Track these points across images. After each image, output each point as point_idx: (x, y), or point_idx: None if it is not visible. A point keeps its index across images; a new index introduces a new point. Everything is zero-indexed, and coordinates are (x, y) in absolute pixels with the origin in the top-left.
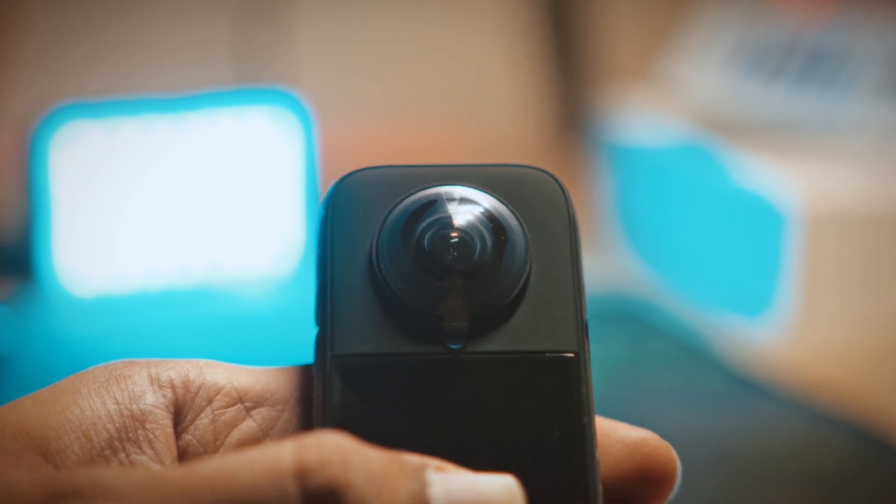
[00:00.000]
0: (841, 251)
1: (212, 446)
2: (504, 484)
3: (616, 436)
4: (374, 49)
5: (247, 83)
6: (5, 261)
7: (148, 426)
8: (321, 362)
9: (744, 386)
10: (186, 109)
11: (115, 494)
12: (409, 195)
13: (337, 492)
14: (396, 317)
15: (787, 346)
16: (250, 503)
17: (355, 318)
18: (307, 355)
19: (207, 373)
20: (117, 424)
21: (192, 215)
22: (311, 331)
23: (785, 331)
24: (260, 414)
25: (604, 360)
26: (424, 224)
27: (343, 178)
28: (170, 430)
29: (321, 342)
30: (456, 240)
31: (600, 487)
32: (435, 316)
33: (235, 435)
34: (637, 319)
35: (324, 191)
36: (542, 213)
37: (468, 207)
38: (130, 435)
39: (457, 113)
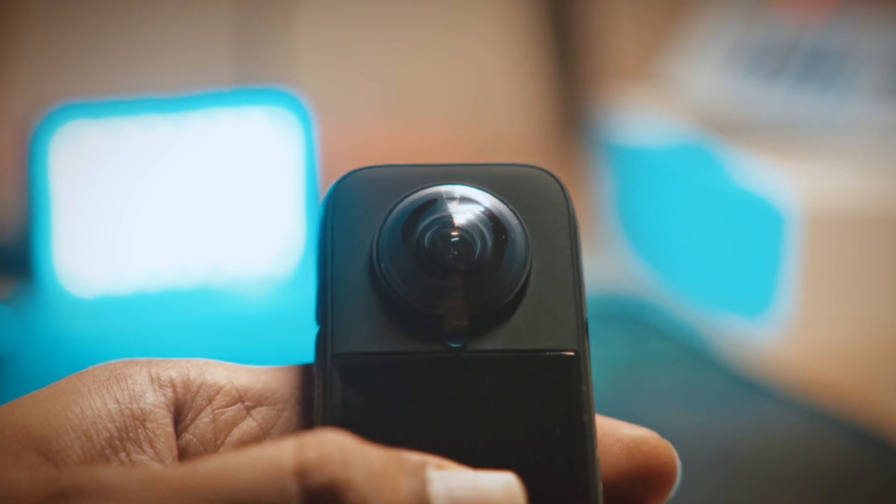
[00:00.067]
0: (841, 251)
1: (212, 445)
2: (504, 481)
3: (616, 434)
4: (374, 49)
5: (247, 83)
6: (5, 261)
7: (148, 425)
8: (322, 361)
9: (744, 386)
10: (186, 109)
11: (116, 493)
12: (409, 194)
13: (337, 490)
14: (397, 316)
15: (787, 346)
16: (251, 502)
17: (356, 317)
18: (307, 355)
19: (208, 372)
20: (118, 424)
21: (192, 215)
22: (311, 330)
23: (785, 331)
24: (260, 413)
25: (604, 360)
26: (425, 223)
27: (343, 178)
28: (170, 429)
29: (321, 341)
30: (456, 239)
31: (600, 486)
32: (435, 315)
33: (236, 434)
34: (637, 319)
35: (324, 191)
36: (542, 213)
37: (468, 206)
38: (131, 434)
39: (457, 113)
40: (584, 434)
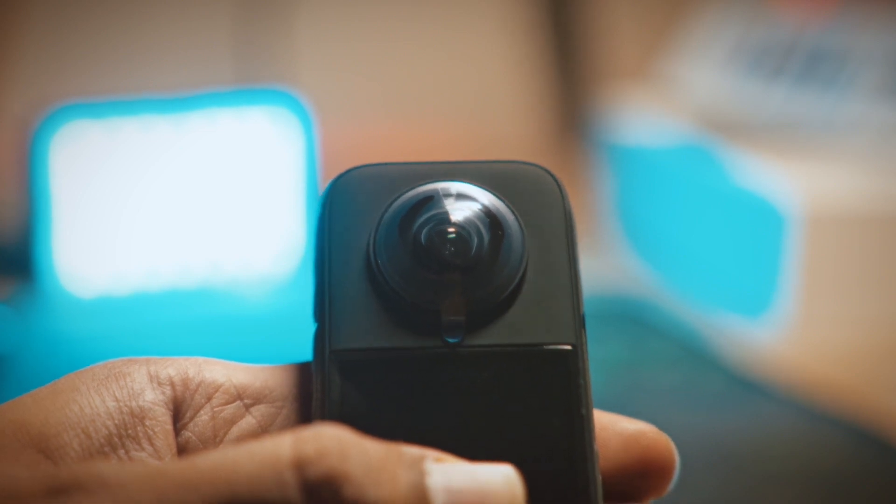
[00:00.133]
0: (841, 251)
1: (212, 443)
2: (503, 473)
3: (615, 428)
4: (374, 49)
5: (247, 83)
6: (5, 261)
7: (147, 423)
8: (320, 358)
9: (744, 386)
10: (186, 110)
11: (115, 487)
12: (405, 191)
13: (335, 482)
14: (394, 312)
15: (787, 346)
16: (250, 494)
17: (353, 314)
18: (306, 354)
19: (206, 370)
20: (116, 421)
21: (193, 215)
22: (309, 328)
23: (785, 331)
24: (259, 410)
25: (604, 360)
26: (421, 220)
27: (340, 176)
28: (169, 426)
29: (320, 338)
30: (453, 235)
31: (599, 478)
32: (433, 310)
33: (235, 431)
34: (637, 319)
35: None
36: (538, 209)
37: (465, 203)
38: (130, 431)
39: (457, 113)
40: (582, 427)
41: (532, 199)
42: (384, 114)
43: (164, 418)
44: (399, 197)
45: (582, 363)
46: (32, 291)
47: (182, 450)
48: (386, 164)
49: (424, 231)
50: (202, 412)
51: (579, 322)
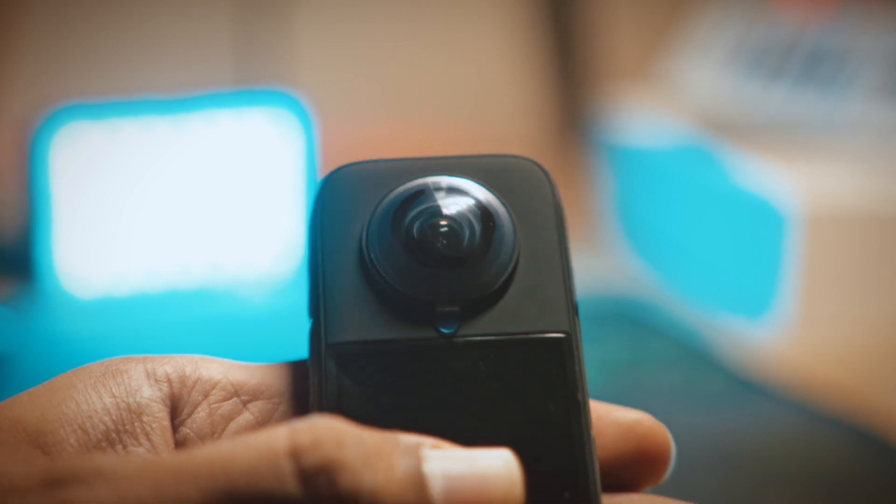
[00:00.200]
0: (841, 251)
1: (209, 439)
2: (501, 457)
3: (611, 417)
4: (374, 49)
5: (247, 84)
6: (5, 261)
7: (145, 418)
8: (316, 352)
9: (744, 386)
10: (186, 110)
11: (112, 478)
12: (396, 186)
13: (331, 470)
14: (389, 305)
15: (787, 346)
16: (247, 484)
17: (348, 308)
18: (304, 352)
19: (203, 368)
20: (114, 417)
21: (193, 216)
22: (304, 325)
23: (785, 331)
24: (256, 407)
25: (604, 360)
26: (413, 213)
27: (331, 173)
28: (167, 422)
29: (315, 333)
30: (445, 227)
31: (597, 463)
32: (427, 301)
33: (233, 427)
34: (637, 320)
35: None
36: (528, 200)
37: (455, 195)
38: (127, 427)
39: (457, 113)
40: (579, 412)
41: (522, 191)
42: (384, 114)
43: (161, 414)
44: (390, 192)
45: (576, 350)
46: (32, 292)
47: (180, 446)
48: (376, 160)
49: (416, 224)
50: (199, 409)
51: (572, 310)
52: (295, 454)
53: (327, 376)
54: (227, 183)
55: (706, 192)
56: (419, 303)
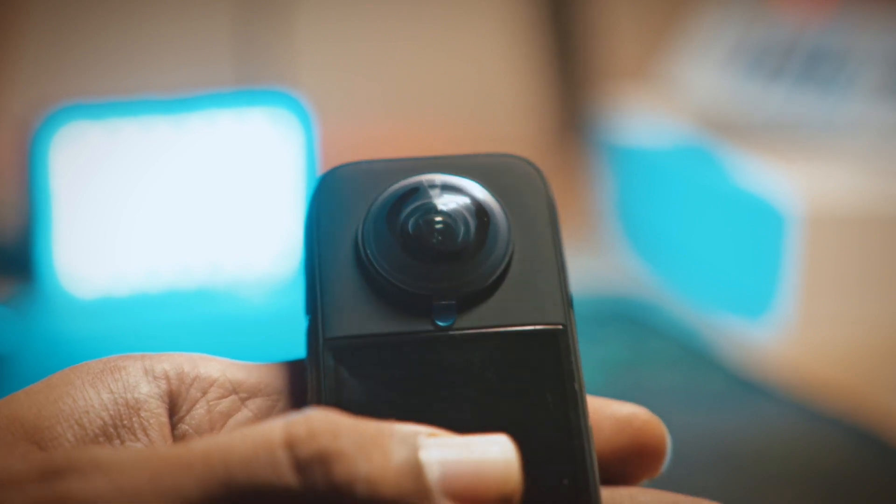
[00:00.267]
0: (841, 251)
1: (208, 435)
2: (498, 443)
3: (607, 411)
4: (374, 49)
5: (247, 84)
6: (6, 261)
7: (142, 414)
8: (314, 348)
9: (744, 386)
10: (186, 110)
11: (110, 469)
12: (391, 184)
13: (326, 459)
14: (385, 300)
15: (787, 346)
16: (244, 473)
17: (345, 303)
18: (301, 351)
19: (201, 366)
20: (111, 412)
21: (193, 216)
22: (302, 323)
23: (785, 331)
24: (255, 404)
25: (604, 360)
26: (408, 210)
27: (327, 173)
28: (164, 419)
29: (313, 329)
30: (440, 222)
31: (595, 452)
32: (423, 296)
33: (231, 424)
34: (637, 320)
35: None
36: (521, 196)
37: (450, 192)
38: (125, 422)
39: (457, 113)
40: (576, 401)
41: (515, 188)
42: (384, 114)
43: (159, 411)
44: (385, 190)
45: (572, 342)
46: (32, 292)
47: (179, 442)
48: (372, 160)
49: (412, 221)
50: (198, 406)
51: (567, 302)
52: (290, 444)
53: (325, 371)
54: (227, 183)
55: (706, 191)
56: (415, 297)
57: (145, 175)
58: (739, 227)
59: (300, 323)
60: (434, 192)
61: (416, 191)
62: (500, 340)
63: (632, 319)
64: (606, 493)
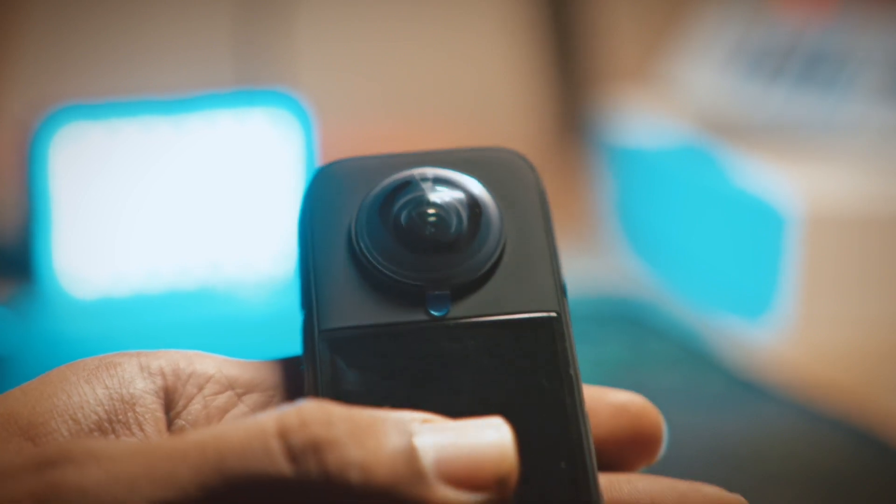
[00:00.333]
0: (841, 252)
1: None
2: (492, 425)
3: (603, 398)
4: (374, 49)
5: (247, 84)
6: (5, 262)
7: (138, 409)
8: (310, 341)
9: (744, 387)
10: (186, 111)
11: (105, 459)
12: (383, 179)
13: (319, 448)
14: (380, 291)
15: (786, 347)
16: (238, 462)
17: (339, 296)
18: (297, 348)
19: (197, 362)
20: (106, 407)
21: (193, 217)
22: (298, 318)
23: (785, 332)
24: (251, 399)
25: (604, 360)
26: (401, 202)
27: (319, 169)
28: (160, 414)
29: (308, 323)
30: (432, 214)
31: (591, 435)
32: (417, 286)
33: (228, 419)
34: (637, 321)
35: None
36: (512, 188)
37: (442, 184)
38: (120, 417)
39: (457, 113)
40: (571, 386)
41: (506, 180)
42: (384, 114)
43: (154, 406)
44: (377, 184)
45: (566, 329)
46: (32, 293)
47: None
48: (364, 156)
49: (404, 213)
50: (195, 401)
51: (560, 290)
52: (283, 434)
53: (321, 362)
54: (226, 183)
55: (706, 192)
56: (410, 287)
57: (145, 175)
58: (739, 228)
59: (297, 320)
60: (426, 185)
61: (409, 184)
62: (495, 329)
63: (631, 320)
64: (605, 479)
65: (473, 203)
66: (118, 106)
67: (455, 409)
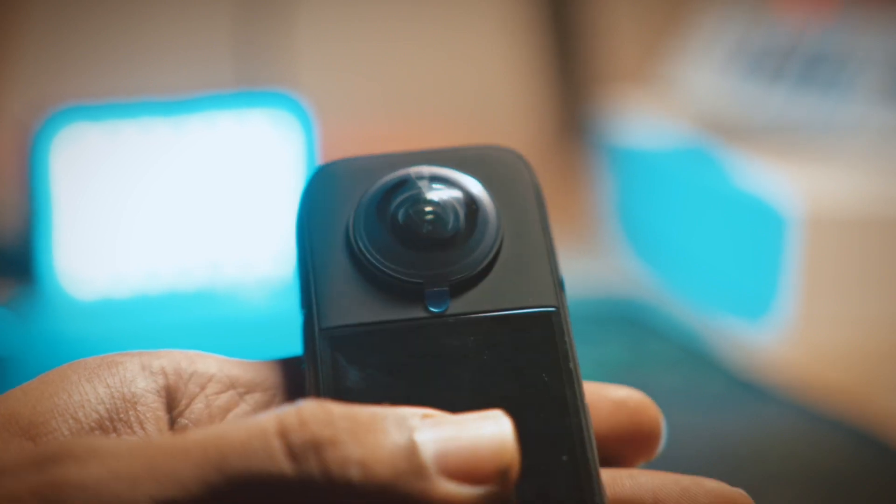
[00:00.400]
0: (841, 253)
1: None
2: (492, 418)
3: (602, 393)
4: (374, 49)
5: (247, 85)
6: (6, 263)
7: (139, 408)
8: (310, 340)
9: (744, 387)
10: (186, 112)
11: (106, 456)
12: (380, 178)
13: (319, 446)
14: (379, 289)
15: (787, 347)
16: (240, 461)
17: (339, 295)
18: (297, 349)
19: (199, 362)
20: (107, 406)
21: (193, 218)
22: (298, 318)
23: (785, 332)
24: (253, 398)
25: (604, 361)
26: (398, 201)
27: (317, 169)
28: (161, 413)
29: (308, 322)
30: (429, 211)
31: (592, 428)
32: (416, 283)
33: (231, 418)
34: (637, 321)
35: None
36: (508, 185)
37: (438, 182)
38: (121, 416)
39: (457, 113)
40: (571, 380)
41: (502, 177)
42: (384, 114)
43: (155, 405)
44: (374, 183)
45: (565, 323)
46: (33, 294)
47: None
48: (361, 156)
49: (402, 211)
50: (197, 401)
51: (558, 285)
52: (283, 433)
53: (322, 361)
54: (227, 185)
55: (706, 193)
56: (408, 285)
57: (145, 177)
58: (739, 229)
59: (298, 319)
60: (423, 183)
61: (405, 182)
62: (494, 324)
63: (632, 321)
64: (607, 474)
65: (470, 200)
66: (118, 107)
67: (456, 404)
